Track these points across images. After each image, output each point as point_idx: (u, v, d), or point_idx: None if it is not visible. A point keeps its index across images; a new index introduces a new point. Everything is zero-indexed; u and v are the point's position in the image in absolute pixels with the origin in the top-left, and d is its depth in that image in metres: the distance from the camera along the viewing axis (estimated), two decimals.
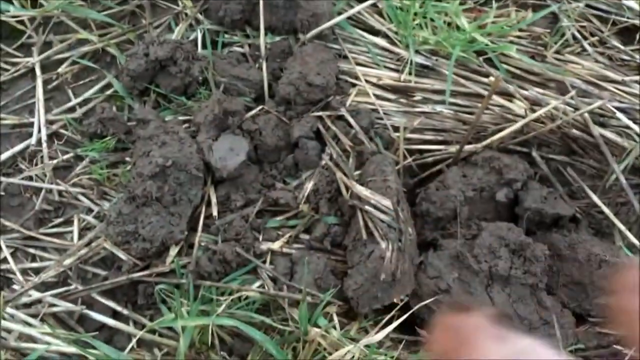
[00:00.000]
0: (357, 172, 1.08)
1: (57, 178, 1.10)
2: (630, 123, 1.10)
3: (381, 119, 1.15)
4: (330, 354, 0.91)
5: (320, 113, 1.12)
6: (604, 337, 1.04)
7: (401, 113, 1.16)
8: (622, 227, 1.04)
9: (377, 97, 1.17)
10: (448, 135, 1.15)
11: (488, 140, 1.09)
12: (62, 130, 1.14)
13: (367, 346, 0.91)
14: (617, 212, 1.08)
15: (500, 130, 1.11)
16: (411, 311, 0.97)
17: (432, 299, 0.98)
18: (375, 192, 0.98)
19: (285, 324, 0.95)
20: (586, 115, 1.09)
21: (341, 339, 0.91)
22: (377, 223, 0.95)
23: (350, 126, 1.12)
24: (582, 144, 1.11)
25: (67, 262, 1.00)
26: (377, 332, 0.92)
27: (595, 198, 1.07)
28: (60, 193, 1.09)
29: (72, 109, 1.16)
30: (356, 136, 1.11)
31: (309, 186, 1.08)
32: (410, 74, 1.17)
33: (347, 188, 1.03)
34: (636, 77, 1.16)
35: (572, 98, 1.11)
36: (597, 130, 1.08)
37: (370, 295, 0.93)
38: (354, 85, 1.18)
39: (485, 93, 1.14)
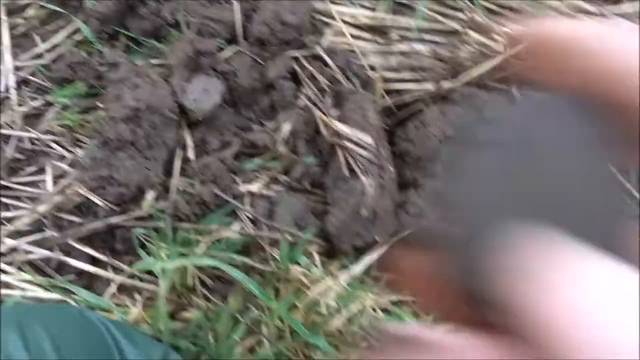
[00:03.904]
0: (336, 112, 1.07)
1: (28, 126, 1.07)
2: None
3: (358, 58, 1.13)
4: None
5: (295, 53, 1.10)
6: None
7: (378, 52, 1.14)
8: None
9: (353, 36, 1.15)
10: (426, 74, 1.13)
11: (466, 77, 1.08)
12: (30, 77, 1.10)
13: (348, 284, 0.91)
14: None
15: (478, 67, 1.09)
16: (391, 247, 0.97)
17: (410, 233, 0.98)
18: (355, 128, 0.97)
19: (266, 264, 0.94)
20: None
21: (322, 276, 0.91)
22: (358, 159, 0.94)
23: (327, 66, 1.10)
24: None
25: (41, 209, 0.98)
26: (358, 268, 0.92)
27: None
28: (31, 141, 1.06)
29: (39, 55, 1.12)
30: (333, 76, 1.09)
31: (286, 127, 1.06)
32: (386, 12, 1.15)
33: (326, 126, 1.02)
34: (615, 10, 1.14)
35: None
36: None
37: (351, 231, 0.93)
38: (329, 25, 1.16)
39: (462, 30, 1.12)
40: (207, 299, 0.93)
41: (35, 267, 0.97)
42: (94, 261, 0.98)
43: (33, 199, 1.03)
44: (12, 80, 1.09)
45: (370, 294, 0.90)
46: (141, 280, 0.96)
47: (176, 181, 1.00)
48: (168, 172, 1.02)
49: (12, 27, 1.14)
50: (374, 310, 0.92)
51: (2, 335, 0.64)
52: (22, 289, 0.91)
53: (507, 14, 1.15)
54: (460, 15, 1.14)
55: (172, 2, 1.11)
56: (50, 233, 0.98)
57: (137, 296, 0.95)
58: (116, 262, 0.97)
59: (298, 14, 1.09)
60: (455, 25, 1.13)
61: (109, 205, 0.98)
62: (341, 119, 1.03)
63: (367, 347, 0.17)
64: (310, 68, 1.09)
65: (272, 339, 0.87)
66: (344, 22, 1.15)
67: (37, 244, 0.97)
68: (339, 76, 1.09)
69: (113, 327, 0.73)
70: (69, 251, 0.98)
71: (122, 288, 0.95)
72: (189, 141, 1.03)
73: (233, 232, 0.95)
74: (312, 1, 1.15)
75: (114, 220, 0.97)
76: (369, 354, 0.18)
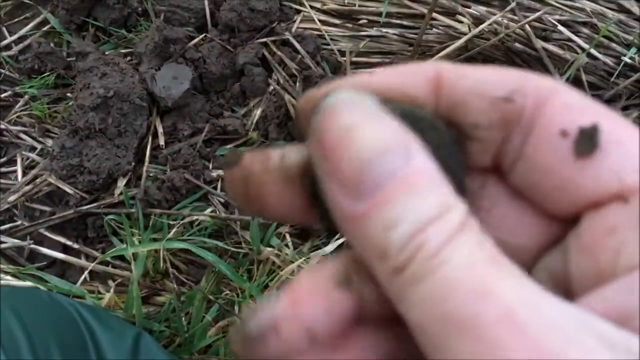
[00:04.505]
0: None
1: None
2: (572, 36, 1.11)
3: (327, 44, 1.14)
4: None
5: (265, 39, 1.10)
6: None
7: (347, 37, 1.15)
8: None
9: (323, 22, 1.16)
10: (395, 58, 1.15)
11: (433, 58, 1.09)
12: None
13: (319, 262, 0.91)
14: None
15: (445, 48, 1.11)
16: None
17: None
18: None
19: (238, 247, 0.94)
20: (528, 28, 1.09)
21: (294, 257, 0.92)
22: None
23: (296, 51, 1.11)
24: (526, 58, 1.11)
25: (12, 198, 0.98)
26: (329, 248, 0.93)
27: None
28: (0, 132, 1.06)
29: (7, 47, 1.12)
30: (302, 61, 1.10)
31: (257, 113, 1.07)
32: None
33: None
34: None
35: (514, 13, 1.11)
36: (539, 43, 1.09)
37: None
38: (298, 11, 1.17)
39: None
40: (180, 283, 0.93)
41: (7, 256, 0.96)
42: (66, 249, 0.98)
43: (4, 190, 1.02)
44: None
45: None
46: (114, 266, 0.96)
47: (147, 168, 1.00)
48: (139, 159, 1.02)
49: None
50: None
51: None
52: None
53: None
54: None
55: None
56: (21, 222, 0.98)
57: (109, 282, 0.94)
58: (88, 250, 0.97)
59: (267, 0, 1.10)
60: (423, 9, 1.15)
61: (80, 193, 0.98)
62: None
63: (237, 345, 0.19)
64: (280, 54, 1.10)
65: None
66: (313, 8, 1.16)
67: (9, 233, 0.97)
68: (309, 61, 1.10)
69: (84, 310, 0.73)
70: (41, 240, 0.98)
71: (94, 275, 0.95)
72: (160, 128, 1.03)
73: (205, 216, 0.95)
74: None
75: (86, 208, 0.96)
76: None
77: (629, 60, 1.09)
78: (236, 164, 0.20)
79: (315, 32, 1.14)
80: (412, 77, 0.20)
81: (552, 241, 0.21)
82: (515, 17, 1.12)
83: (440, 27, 1.14)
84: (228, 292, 0.91)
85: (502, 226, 0.21)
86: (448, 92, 0.20)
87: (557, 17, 1.13)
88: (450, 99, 0.20)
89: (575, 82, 1.11)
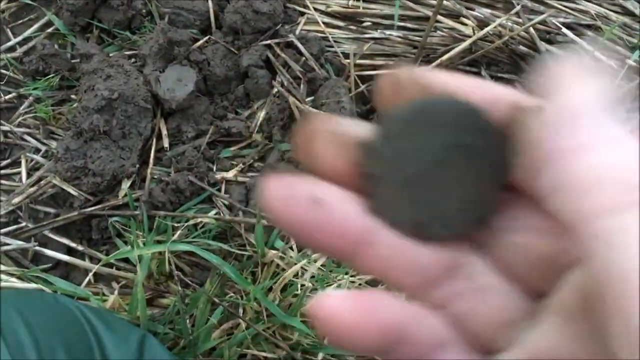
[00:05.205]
0: (310, 98, 1.08)
1: (1, 119, 1.06)
2: (576, 38, 1.11)
3: (331, 46, 1.14)
4: None
5: (269, 41, 1.10)
6: None
7: (351, 40, 1.15)
8: None
9: (327, 24, 1.16)
10: (399, 60, 1.15)
11: (437, 61, 1.10)
12: (2, 71, 1.10)
13: (323, 265, 0.91)
14: None
15: (449, 50, 1.11)
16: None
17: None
18: (329, 114, 0.98)
19: (243, 249, 0.95)
20: (532, 31, 1.09)
21: (299, 259, 0.92)
22: None
23: (301, 54, 1.11)
24: (530, 61, 1.12)
25: (16, 200, 0.98)
26: None
27: None
28: (5, 134, 1.06)
29: (12, 49, 1.12)
30: (307, 63, 1.10)
31: (261, 115, 1.07)
32: None
33: (301, 113, 1.03)
34: None
35: (518, 15, 1.11)
36: (543, 46, 1.09)
37: None
38: (302, 13, 1.17)
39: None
40: (184, 285, 0.93)
41: (11, 258, 0.97)
42: (70, 251, 0.98)
43: (8, 192, 1.03)
44: None
45: (346, 275, 0.91)
46: (118, 268, 0.96)
47: (151, 170, 1.00)
48: (143, 161, 1.02)
49: None
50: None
51: None
52: None
53: None
54: (432, 1, 1.15)
55: None
56: (25, 224, 0.98)
57: (114, 284, 0.95)
58: (92, 252, 0.97)
59: (271, 2, 1.10)
60: (427, 11, 1.15)
61: (84, 195, 0.98)
62: (315, 106, 1.04)
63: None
64: (284, 56, 1.10)
65: (250, 321, 0.87)
66: (317, 10, 1.16)
67: (13, 235, 0.97)
68: (313, 64, 1.10)
69: (89, 312, 0.73)
70: (45, 242, 0.98)
71: (99, 277, 0.95)
72: (164, 130, 1.03)
73: (209, 218, 0.95)
74: None
75: (90, 210, 0.97)
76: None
77: (633, 63, 1.09)
78: (309, 122, 0.23)
79: (319, 34, 1.14)
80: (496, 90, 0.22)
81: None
82: (520, 20, 1.12)
83: (445, 30, 1.14)
84: (232, 294, 0.92)
85: (526, 231, 0.22)
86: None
87: (561, 19, 1.13)
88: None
89: None
